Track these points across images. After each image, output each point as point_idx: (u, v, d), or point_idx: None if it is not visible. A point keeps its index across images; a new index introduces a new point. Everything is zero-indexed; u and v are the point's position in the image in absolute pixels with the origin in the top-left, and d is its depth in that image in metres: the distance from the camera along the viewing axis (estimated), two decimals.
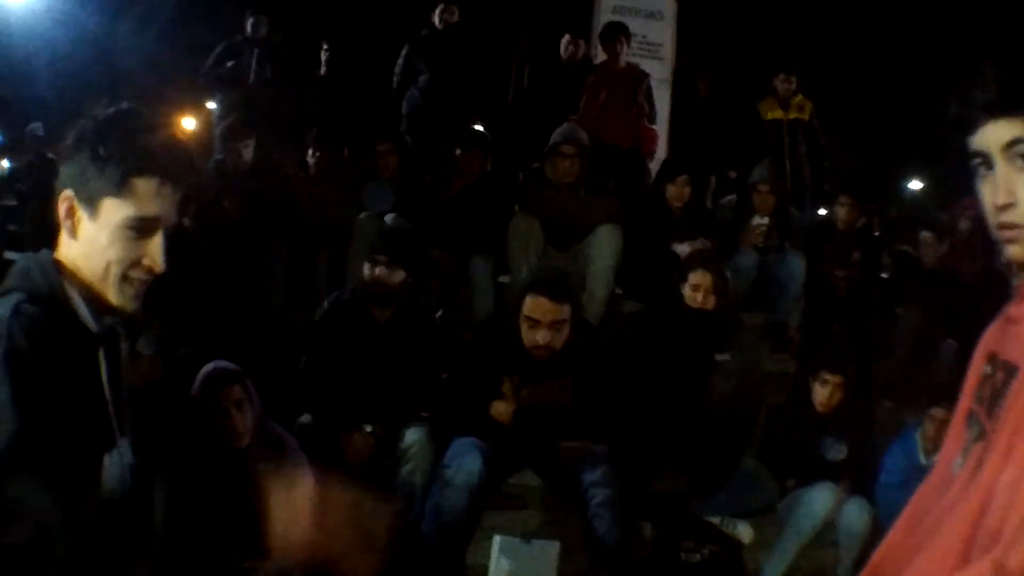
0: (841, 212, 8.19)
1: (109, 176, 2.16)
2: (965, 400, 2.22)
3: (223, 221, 7.44)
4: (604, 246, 7.16)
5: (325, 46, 10.08)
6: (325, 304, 6.10)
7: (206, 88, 10.28)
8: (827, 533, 5.87)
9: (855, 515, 5.79)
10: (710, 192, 9.67)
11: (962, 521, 2.04)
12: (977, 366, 2.23)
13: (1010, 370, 2.07)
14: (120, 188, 2.16)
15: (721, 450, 5.97)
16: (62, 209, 2.20)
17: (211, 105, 9.28)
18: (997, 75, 1.99)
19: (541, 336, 5.41)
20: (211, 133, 8.76)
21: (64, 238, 2.23)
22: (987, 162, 2.02)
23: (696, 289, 6.18)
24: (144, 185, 2.18)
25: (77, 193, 2.19)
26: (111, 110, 2.24)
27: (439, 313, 6.89)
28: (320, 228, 7.53)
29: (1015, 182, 1.99)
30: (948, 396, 2.38)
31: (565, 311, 5.45)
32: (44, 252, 2.23)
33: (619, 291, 7.50)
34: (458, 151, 7.99)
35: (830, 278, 7.89)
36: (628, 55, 9.54)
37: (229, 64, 9.79)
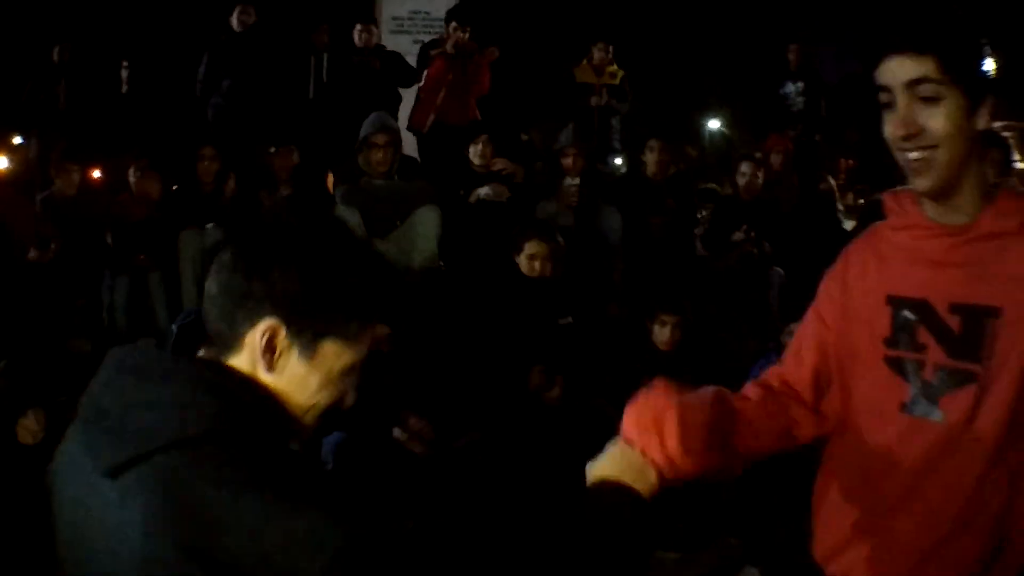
0: (651, 157, 8.39)
1: (342, 320, 1.79)
2: (872, 345, 2.31)
3: (56, 254, 7.41)
4: (423, 228, 7.42)
5: (125, 64, 9.97)
6: (174, 329, 6.01)
7: (24, 123, 10.06)
8: None
9: None
10: None
11: (964, 472, 2.17)
12: (876, 310, 2.31)
13: (976, 314, 2.18)
14: (354, 336, 1.80)
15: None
16: (258, 338, 1.75)
17: (18, 140, 9.08)
18: (908, 11, 2.12)
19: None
20: (27, 169, 8.63)
21: (244, 365, 1.78)
22: (890, 97, 2.13)
23: (533, 259, 6.34)
24: (370, 331, 1.84)
25: (289, 326, 1.75)
26: (324, 234, 1.84)
27: None
28: (150, 248, 7.51)
29: (918, 114, 2.10)
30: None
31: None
32: (253, 385, 1.77)
33: (442, 265, 7.68)
34: (272, 150, 8.19)
35: (647, 227, 8.11)
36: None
37: (41, 96, 9.70)
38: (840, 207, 8.52)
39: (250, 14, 9.45)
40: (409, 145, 8.94)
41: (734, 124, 11.71)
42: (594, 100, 9.82)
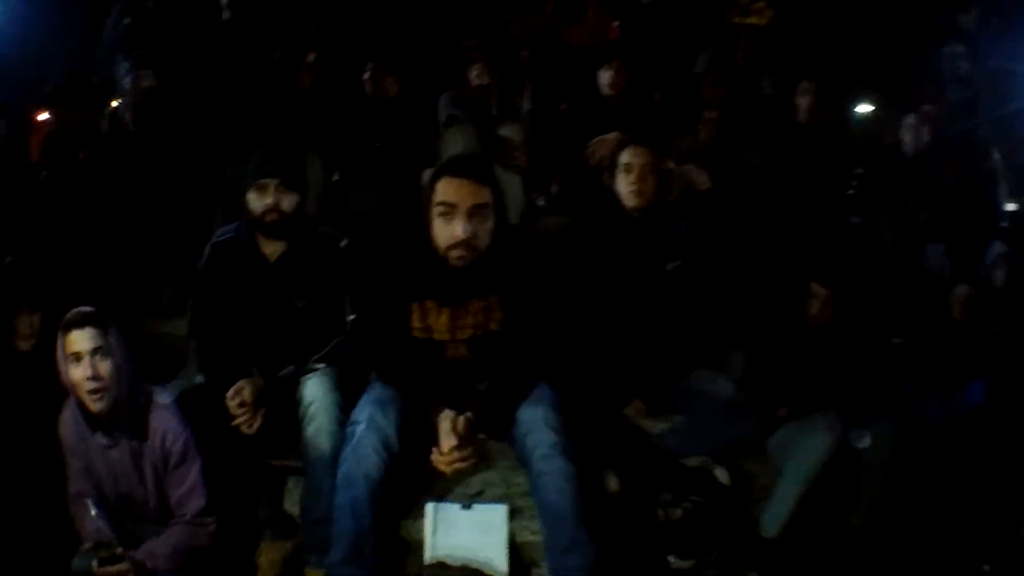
0: (803, 101, 7.44)
1: None
2: None
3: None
4: None
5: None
6: (207, 248, 5.00)
7: (109, 51, 8.84)
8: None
9: (879, 441, 5.16)
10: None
11: None
12: None
13: None
14: None
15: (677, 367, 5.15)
16: None
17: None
18: None
19: (460, 227, 4.29)
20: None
21: None
22: None
23: (629, 171, 5.10)
24: None
25: None
26: None
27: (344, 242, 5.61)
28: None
29: None
30: None
31: (486, 195, 4.38)
32: None
33: (541, 203, 7.05)
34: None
35: (793, 176, 7.08)
36: None
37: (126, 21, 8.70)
38: (1003, 184, 7.86)
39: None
40: None
41: (881, 106, 10.49)
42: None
